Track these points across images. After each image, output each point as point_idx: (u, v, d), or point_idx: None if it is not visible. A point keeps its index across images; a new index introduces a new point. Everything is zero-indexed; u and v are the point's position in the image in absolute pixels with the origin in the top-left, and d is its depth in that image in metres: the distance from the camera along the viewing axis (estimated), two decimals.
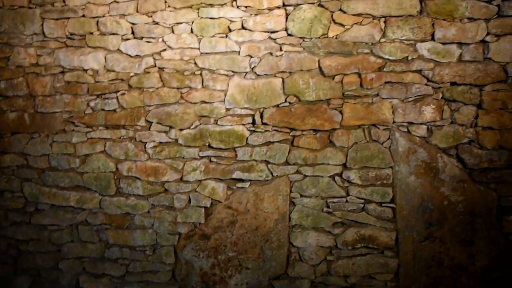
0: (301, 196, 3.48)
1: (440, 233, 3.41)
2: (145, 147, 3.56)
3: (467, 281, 3.43)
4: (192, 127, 3.50)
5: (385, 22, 3.32)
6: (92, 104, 3.61)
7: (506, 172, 3.36)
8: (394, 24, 3.31)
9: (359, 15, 3.33)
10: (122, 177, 3.61)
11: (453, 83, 3.33)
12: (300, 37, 3.39)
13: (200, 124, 3.50)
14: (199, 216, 3.56)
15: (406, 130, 3.37)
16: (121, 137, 3.58)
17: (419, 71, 3.32)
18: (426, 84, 3.33)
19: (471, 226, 3.40)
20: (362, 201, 3.43)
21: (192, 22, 3.47)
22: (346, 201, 3.44)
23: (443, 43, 3.31)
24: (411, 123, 3.36)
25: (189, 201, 3.55)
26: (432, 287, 3.44)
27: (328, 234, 3.48)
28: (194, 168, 3.52)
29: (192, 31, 3.48)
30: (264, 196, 3.49)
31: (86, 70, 3.60)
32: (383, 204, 3.42)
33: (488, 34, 3.28)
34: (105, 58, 3.56)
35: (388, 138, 3.38)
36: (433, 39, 3.31)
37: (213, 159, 3.52)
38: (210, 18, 3.45)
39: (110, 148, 3.60)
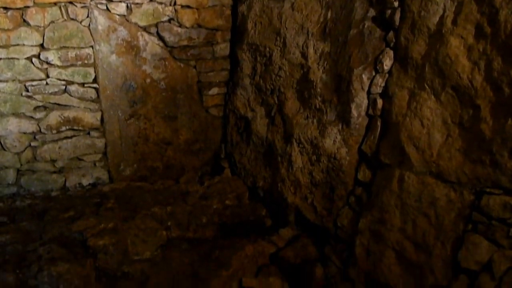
0: None
1: (145, 110, 3.54)
2: None
3: (173, 153, 3.70)
4: None
5: None
6: None
7: (204, 50, 3.59)
8: None
9: None
10: None
11: None
12: None
13: None
14: None
15: (105, 8, 3.27)
16: None
17: None
18: None
19: (174, 102, 3.60)
20: (63, 82, 3.30)
21: None
22: (47, 83, 3.28)
23: None
24: (110, 1, 3.26)
25: None
26: (140, 162, 3.62)
27: (30, 119, 3.31)
28: None
29: None
30: None
31: None
32: (85, 85, 3.36)
33: None
34: None
35: (87, 17, 3.24)
36: None
37: None
38: None
39: None
